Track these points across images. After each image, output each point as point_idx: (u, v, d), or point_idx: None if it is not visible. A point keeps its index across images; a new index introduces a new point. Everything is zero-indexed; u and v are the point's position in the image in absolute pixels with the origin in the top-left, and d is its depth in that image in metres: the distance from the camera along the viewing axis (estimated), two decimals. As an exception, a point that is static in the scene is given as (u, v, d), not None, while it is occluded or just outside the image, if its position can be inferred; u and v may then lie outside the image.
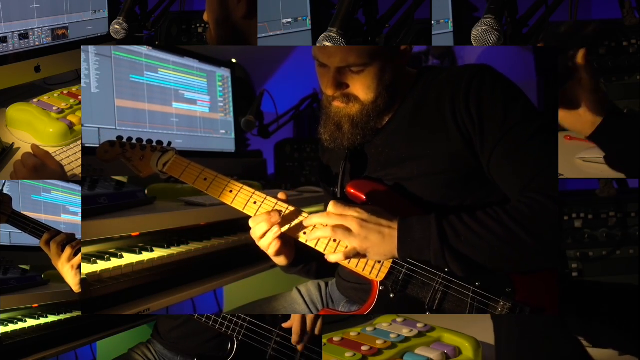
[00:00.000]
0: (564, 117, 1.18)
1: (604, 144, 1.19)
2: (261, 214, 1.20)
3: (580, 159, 1.55)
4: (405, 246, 1.12)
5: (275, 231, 1.18)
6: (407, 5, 1.80)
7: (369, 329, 1.39)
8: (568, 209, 1.61)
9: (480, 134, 1.18)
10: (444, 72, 1.28)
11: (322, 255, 1.20)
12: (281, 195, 1.24)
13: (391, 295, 1.18)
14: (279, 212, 1.19)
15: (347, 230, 1.12)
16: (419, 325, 1.39)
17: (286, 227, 1.20)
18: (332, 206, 1.15)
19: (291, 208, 1.22)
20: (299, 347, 1.36)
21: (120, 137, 1.43)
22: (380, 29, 1.81)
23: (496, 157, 1.17)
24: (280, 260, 1.29)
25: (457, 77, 1.22)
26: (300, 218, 1.21)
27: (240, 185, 1.27)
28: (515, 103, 1.18)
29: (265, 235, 1.19)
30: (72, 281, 1.33)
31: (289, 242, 1.25)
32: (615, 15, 1.68)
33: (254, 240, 1.23)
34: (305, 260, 1.36)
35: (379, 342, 1.30)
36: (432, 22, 1.77)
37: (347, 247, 1.14)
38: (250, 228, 1.21)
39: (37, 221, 1.42)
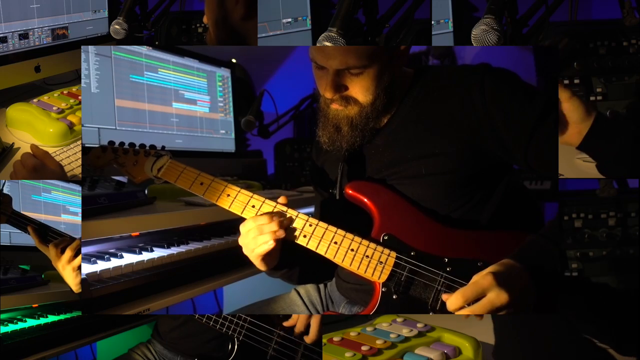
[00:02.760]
0: None
1: (594, 152, 1.18)
2: (263, 217, 1.18)
3: (580, 159, 1.55)
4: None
5: (273, 239, 1.17)
6: (407, 5, 1.80)
7: (369, 328, 1.39)
8: (568, 209, 1.61)
9: (508, 128, 1.18)
10: (444, 71, 1.28)
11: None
12: (282, 199, 1.23)
13: (394, 297, 1.17)
14: (282, 220, 1.18)
15: (489, 300, 1.04)
16: (419, 325, 1.39)
17: (281, 231, 1.18)
18: (459, 297, 1.06)
19: (292, 212, 1.21)
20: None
21: (112, 142, 1.38)
22: (380, 29, 1.81)
23: (535, 146, 1.18)
24: (262, 265, 1.26)
25: (462, 77, 1.22)
26: (300, 221, 1.20)
27: (238, 189, 1.25)
28: (531, 92, 1.20)
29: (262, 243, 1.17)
30: (73, 282, 1.33)
31: (277, 248, 1.20)
32: (615, 15, 1.68)
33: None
34: (288, 265, 1.34)
35: (379, 342, 1.29)
36: (432, 22, 1.77)
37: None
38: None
39: (37, 221, 1.41)
